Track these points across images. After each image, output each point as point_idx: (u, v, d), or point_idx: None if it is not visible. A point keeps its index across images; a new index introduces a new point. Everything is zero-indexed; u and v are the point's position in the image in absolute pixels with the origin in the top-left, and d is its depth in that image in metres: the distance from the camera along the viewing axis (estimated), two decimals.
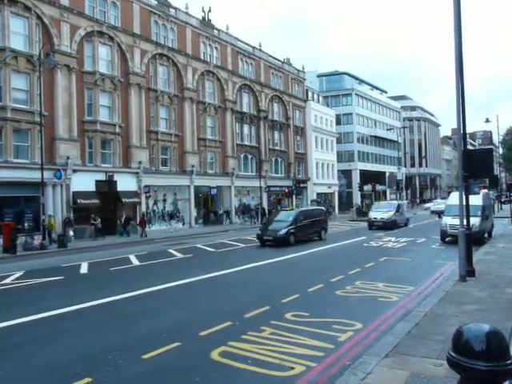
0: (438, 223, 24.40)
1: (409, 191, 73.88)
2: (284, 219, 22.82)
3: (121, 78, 31.84)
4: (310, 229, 23.64)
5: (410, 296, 10.53)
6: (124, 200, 30.69)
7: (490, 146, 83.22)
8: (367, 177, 67.72)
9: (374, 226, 30.14)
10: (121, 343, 7.50)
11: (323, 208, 31.40)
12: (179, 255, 19.36)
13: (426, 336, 6.88)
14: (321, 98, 65.42)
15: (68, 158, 27.65)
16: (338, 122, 68.05)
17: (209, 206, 40.33)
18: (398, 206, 31.94)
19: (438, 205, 55.59)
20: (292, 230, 21.92)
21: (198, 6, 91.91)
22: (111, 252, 21.48)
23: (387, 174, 75.80)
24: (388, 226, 29.58)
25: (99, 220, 28.01)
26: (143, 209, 32.75)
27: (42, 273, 15.41)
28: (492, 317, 7.61)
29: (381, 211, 31.03)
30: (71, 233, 26.01)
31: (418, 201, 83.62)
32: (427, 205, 66.94)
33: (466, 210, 11.69)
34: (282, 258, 17.91)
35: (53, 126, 27.48)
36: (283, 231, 21.60)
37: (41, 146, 24.64)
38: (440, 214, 42.00)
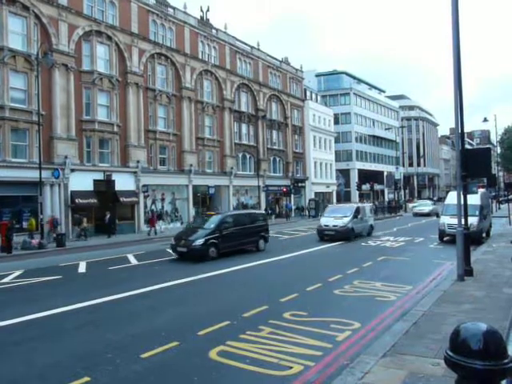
0: (436, 223, 24.44)
1: (407, 190, 73.89)
2: (206, 226, 18.65)
3: (119, 78, 31.79)
4: (241, 238, 19.28)
5: (408, 295, 10.55)
6: (122, 199, 30.64)
7: (487, 146, 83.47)
8: (365, 176, 67.85)
9: (325, 236, 23.64)
10: (119, 342, 7.50)
11: (262, 211, 25.55)
12: (177, 254, 19.33)
13: (424, 335, 6.91)
14: (319, 98, 65.41)
15: (66, 157, 27.60)
16: (337, 122, 68.09)
17: (207, 206, 40.32)
18: (357, 211, 24.64)
19: (420, 206, 49.02)
20: (213, 240, 17.65)
21: (196, 5, 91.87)
22: (110, 251, 21.45)
23: (385, 174, 75.93)
24: (341, 236, 23.10)
25: (85, 219, 27.74)
26: (141, 208, 32.73)
27: (41, 272, 15.38)
28: (489, 316, 7.64)
29: (333, 217, 24.16)
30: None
31: (415, 200, 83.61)
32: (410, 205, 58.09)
33: (464, 210, 11.72)
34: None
35: (51, 125, 27.43)
36: (199, 241, 17.31)
37: (39, 145, 24.59)
38: (436, 215, 39.99)
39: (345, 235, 23.09)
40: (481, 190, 21.53)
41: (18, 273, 15.42)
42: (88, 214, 29.21)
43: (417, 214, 45.64)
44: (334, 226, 23.45)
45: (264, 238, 20.88)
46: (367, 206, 28.34)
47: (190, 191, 37.57)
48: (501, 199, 61.61)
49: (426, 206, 48.17)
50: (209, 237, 17.60)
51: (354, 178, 67.12)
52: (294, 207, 51.09)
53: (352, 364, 5.89)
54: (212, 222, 18.74)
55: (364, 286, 11.66)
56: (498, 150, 75.90)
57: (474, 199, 18.04)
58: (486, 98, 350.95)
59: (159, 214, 33.40)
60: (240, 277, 14.08)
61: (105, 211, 29.21)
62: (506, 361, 2.24)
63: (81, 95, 29.43)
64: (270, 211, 46.11)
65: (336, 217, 24.01)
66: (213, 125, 40.81)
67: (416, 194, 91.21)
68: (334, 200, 62.20)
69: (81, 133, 29.28)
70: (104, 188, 29.52)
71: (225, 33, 43.27)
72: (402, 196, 66.06)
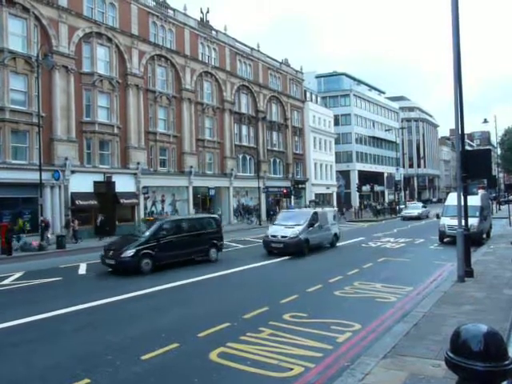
0: (436, 224, 24.42)
1: (407, 192, 73.90)
2: (141, 234, 16.39)
3: (119, 79, 31.82)
4: (186, 247, 16.64)
5: (409, 297, 10.55)
6: (122, 201, 30.65)
7: (488, 147, 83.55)
8: (366, 177, 67.82)
9: (273, 248, 19.09)
10: (119, 344, 7.50)
11: (215, 215, 22.58)
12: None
13: (425, 336, 6.90)
14: (319, 99, 65.48)
15: (66, 158, 27.62)
16: (337, 123, 68.13)
17: (208, 207, 40.33)
18: (314, 218, 20.07)
19: (409, 209, 45.71)
20: (147, 251, 15.15)
21: (196, 7, 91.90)
22: None
23: (385, 175, 75.90)
24: (292, 249, 18.48)
25: (76, 222, 27.32)
26: (141, 210, 32.73)
27: (41, 274, 15.37)
28: (490, 317, 7.63)
29: (284, 225, 19.73)
30: (49, 236, 24.95)
31: (415, 201, 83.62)
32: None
33: (464, 211, 11.71)
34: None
35: (51, 127, 27.45)
36: (129, 252, 14.80)
37: (39, 147, 24.60)
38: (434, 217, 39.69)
39: (296, 248, 18.52)
40: (481, 191, 21.52)
41: (18, 275, 15.41)
42: (88, 215, 29.22)
43: (405, 218, 42.16)
44: (283, 236, 18.78)
45: (216, 246, 18.13)
46: (329, 211, 23.32)
47: (191, 193, 37.58)
48: (501, 200, 61.50)
49: (415, 208, 44.77)
50: (141, 247, 15.14)
51: (355, 179, 67.08)
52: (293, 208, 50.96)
53: (352, 365, 5.89)
54: (148, 230, 16.29)
55: (364, 287, 11.65)
56: (498, 151, 75.93)
57: (474, 200, 18.03)
58: (486, 99, 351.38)
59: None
60: (241, 278, 14.05)
61: (105, 213, 29.19)
62: (506, 362, 2.23)
63: (81, 97, 29.46)
64: (272, 212, 46.14)
65: (287, 225, 19.56)
66: (213, 126, 40.84)
67: (416, 196, 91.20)
68: (335, 201, 62.19)
69: (81, 134, 29.30)
70: (104, 189, 29.54)
71: (225, 34, 43.33)
72: (403, 197, 66.04)
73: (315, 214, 20.56)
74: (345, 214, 47.94)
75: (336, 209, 27.11)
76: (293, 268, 15.98)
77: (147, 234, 15.94)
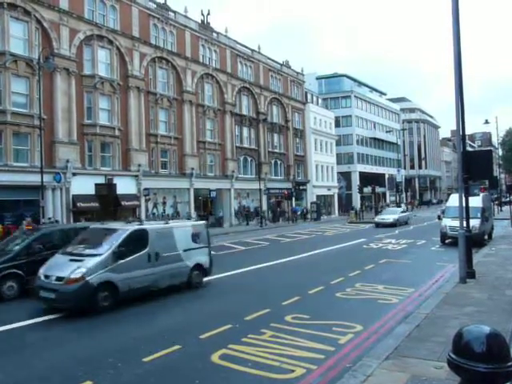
0: (438, 225, 24.42)
1: (408, 193, 73.85)
2: (10, 248, 12.71)
3: (120, 82, 31.84)
4: None
5: (411, 298, 10.54)
6: (123, 203, 30.62)
7: (489, 148, 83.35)
8: (367, 179, 67.75)
9: (43, 301, 10.27)
10: (121, 346, 7.50)
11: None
12: None
13: (427, 338, 6.88)
14: (320, 101, 65.44)
15: (67, 161, 27.64)
16: (338, 124, 68.06)
17: (209, 209, 40.32)
18: (128, 241, 10.90)
19: (385, 214, 38.46)
20: (13, 270, 11.66)
21: (196, 9, 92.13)
22: None
23: (387, 176, 75.84)
24: (68, 303, 9.87)
25: None
26: (143, 212, 32.72)
27: None
28: (492, 318, 7.61)
29: (75, 254, 10.86)
30: None
31: (416, 203, 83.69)
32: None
33: (465, 212, 11.70)
34: None
35: (52, 129, 27.48)
36: None
37: (40, 149, 24.59)
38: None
39: (77, 302, 9.87)
40: (483, 193, 21.52)
41: None
42: (91, 217, 29.20)
43: (379, 225, 35.76)
44: (58, 279, 10.01)
45: None
46: (184, 226, 13.18)
47: (192, 195, 37.57)
48: (502, 201, 61.40)
49: (391, 214, 37.74)
50: (3, 265, 11.58)
51: (356, 180, 67.02)
52: (300, 209, 50.78)
53: (354, 367, 5.88)
54: (19, 243, 12.74)
55: (366, 288, 11.64)
56: (500, 152, 75.83)
57: (475, 201, 17.99)
58: (487, 99, 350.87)
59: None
60: (242, 280, 14.01)
61: (106, 215, 29.12)
62: (509, 364, 2.23)
63: (82, 99, 29.49)
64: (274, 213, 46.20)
65: (79, 255, 10.79)
66: (214, 128, 40.85)
67: (418, 197, 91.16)
68: (336, 203, 62.12)
69: (82, 137, 29.32)
70: (105, 192, 29.49)
71: (225, 36, 43.37)
72: (404, 198, 65.99)
73: (140, 232, 11.47)
74: (353, 215, 48.10)
75: (204, 222, 14.77)
76: (297, 268, 15.87)
77: (17, 248, 12.40)
